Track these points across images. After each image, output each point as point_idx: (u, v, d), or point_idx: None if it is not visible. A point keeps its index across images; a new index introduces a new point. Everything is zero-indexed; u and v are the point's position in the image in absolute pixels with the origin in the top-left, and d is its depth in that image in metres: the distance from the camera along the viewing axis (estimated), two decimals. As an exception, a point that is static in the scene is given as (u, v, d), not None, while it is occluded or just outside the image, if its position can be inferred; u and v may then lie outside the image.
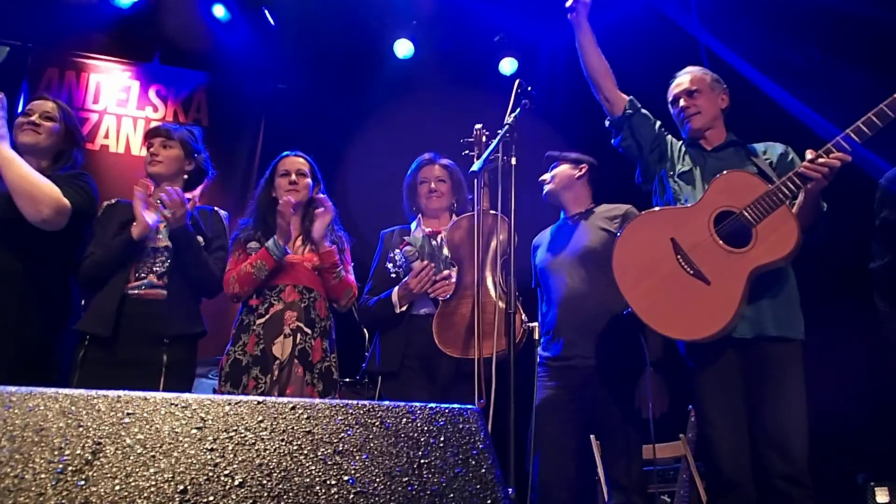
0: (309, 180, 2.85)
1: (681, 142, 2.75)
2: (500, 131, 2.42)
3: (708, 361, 2.40)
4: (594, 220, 2.96)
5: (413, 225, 2.99)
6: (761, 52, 3.94)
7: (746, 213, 2.27)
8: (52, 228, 2.49)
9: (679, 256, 2.35)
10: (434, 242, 2.77)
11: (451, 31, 5.18)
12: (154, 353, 2.52)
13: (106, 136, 4.92)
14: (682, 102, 2.69)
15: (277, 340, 2.58)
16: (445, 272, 2.70)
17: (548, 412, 2.74)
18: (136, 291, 2.58)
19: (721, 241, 2.29)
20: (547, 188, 3.04)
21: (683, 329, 2.30)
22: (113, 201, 2.79)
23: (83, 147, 2.85)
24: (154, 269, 2.62)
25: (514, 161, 2.39)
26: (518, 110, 2.47)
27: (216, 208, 2.91)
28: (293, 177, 2.81)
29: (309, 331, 2.63)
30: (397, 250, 2.80)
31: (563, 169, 3.05)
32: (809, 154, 2.25)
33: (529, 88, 2.54)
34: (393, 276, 2.77)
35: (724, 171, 2.40)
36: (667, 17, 4.47)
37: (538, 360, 2.78)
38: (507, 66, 5.17)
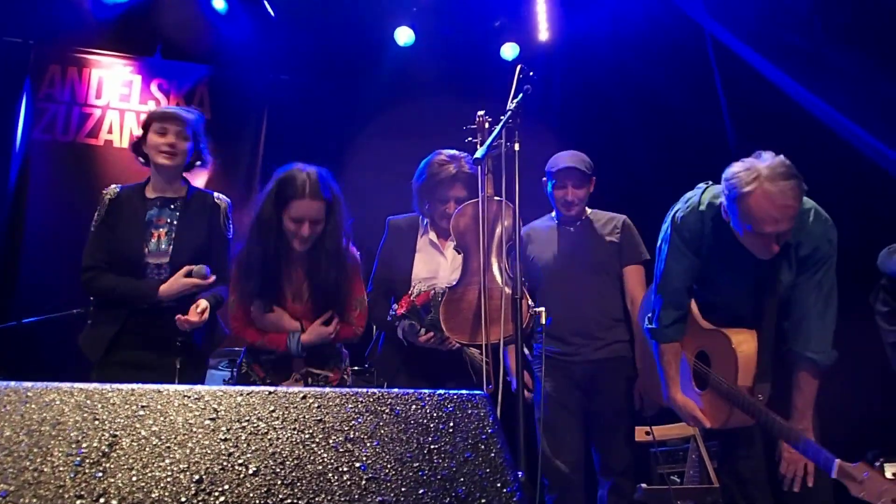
0: (321, 226, 2.57)
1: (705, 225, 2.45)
2: (502, 117, 2.42)
3: None
4: (596, 229, 3.20)
5: (419, 220, 2.98)
6: (766, 38, 3.91)
7: (712, 375, 2.47)
8: None
9: (689, 349, 2.62)
10: (429, 315, 2.69)
11: (451, 17, 5.15)
12: (166, 359, 2.54)
13: (109, 132, 4.94)
14: (763, 250, 2.24)
15: (286, 383, 2.57)
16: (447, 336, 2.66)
17: (555, 402, 2.98)
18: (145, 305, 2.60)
19: (692, 371, 2.57)
20: (576, 210, 3.16)
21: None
22: (113, 193, 2.72)
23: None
24: (161, 280, 2.62)
25: (517, 147, 2.39)
26: (520, 96, 2.46)
27: (216, 195, 2.86)
28: (306, 228, 2.53)
29: (319, 371, 2.64)
30: (400, 329, 2.72)
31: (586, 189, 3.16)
32: (785, 449, 2.32)
33: (531, 73, 2.53)
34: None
35: (733, 342, 2.40)
36: (671, 2, 4.43)
37: (545, 353, 2.83)
38: (509, 51, 5.14)
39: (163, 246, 2.64)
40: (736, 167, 2.22)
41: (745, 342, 2.39)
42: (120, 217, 2.67)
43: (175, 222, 2.67)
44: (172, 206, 2.71)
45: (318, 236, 2.56)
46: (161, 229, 2.67)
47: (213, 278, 2.59)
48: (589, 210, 3.26)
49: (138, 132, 5.14)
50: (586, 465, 3.08)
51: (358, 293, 2.70)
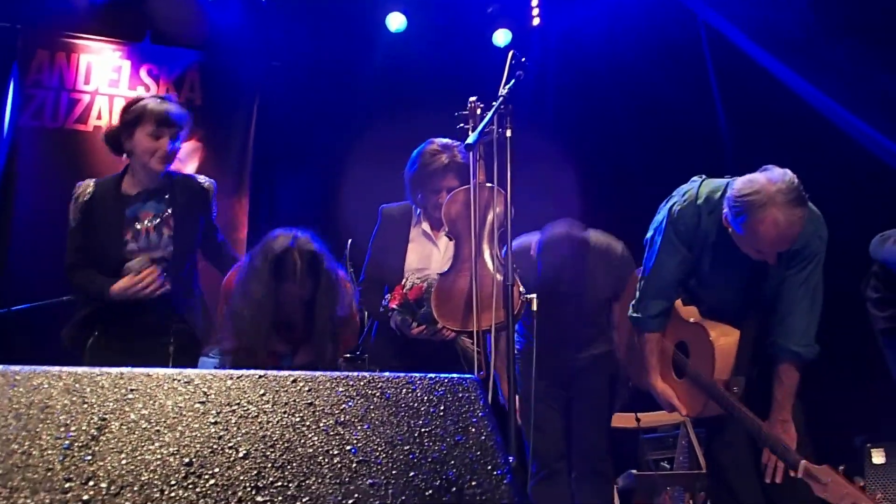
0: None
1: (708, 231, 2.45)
2: (494, 103, 2.41)
3: None
4: (589, 274, 3.10)
5: (412, 209, 2.96)
6: (761, 27, 3.91)
7: (689, 366, 2.50)
8: None
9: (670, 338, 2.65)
10: (422, 309, 2.66)
11: (443, 3, 5.12)
12: (159, 346, 2.53)
13: (98, 117, 4.88)
14: (760, 257, 2.27)
15: None
16: (439, 326, 2.64)
17: (538, 393, 2.94)
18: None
19: (672, 358, 2.61)
20: None
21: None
22: (87, 194, 2.61)
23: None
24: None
25: (509, 133, 2.38)
26: (512, 82, 2.45)
27: (200, 179, 2.78)
28: (297, 301, 2.58)
29: None
30: (392, 321, 2.72)
31: None
32: (765, 456, 2.33)
33: (523, 59, 2.52)
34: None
35: (711, 335, 2.42)
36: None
37: (534, 352, 2.85)
38: (501, 37, 5.12)
39: (153, 240, 2.58)
40: (743, 187, 2.16)
41: (723, 336, 2.42)
42: (100, 217, 2.58)
43: (166, 213, 2.61)
44: (159, 198, 2.63)
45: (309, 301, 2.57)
46: (149, 223, 2.59)
47: (151, 268, 2.51)
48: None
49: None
50: (568, 455, 3.13)
51: (353, 323, 2.72)
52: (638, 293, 2.59)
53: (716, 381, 2.37)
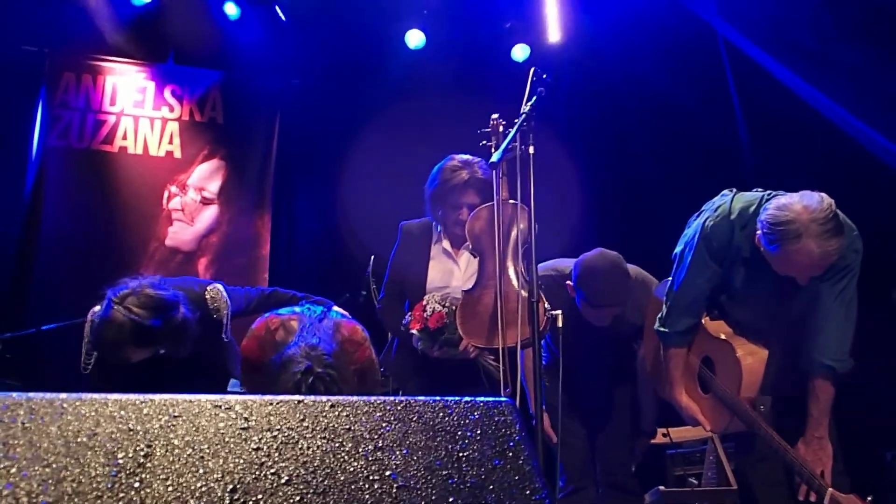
0: None
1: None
2: (517, 120, 2.42)
3: None
4: (621, 322, 2.96)
5: (432, 226, 2.97)
6: (779, 39, 3.89)
7: (715, 382, 2.51)
8: None
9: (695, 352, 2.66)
10: (442, 336, 2.63)
11: (461, 19, 5.16)
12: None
13: (124, 138, 4.97)
14: (800, 279, 2.26)
15: None
16: (462, 346, 2.63)
17: (567, 412, 2.98)
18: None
19: (698, 373, 2.63)
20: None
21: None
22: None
23: None
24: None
25: (531, 150, 2.39)
26: (534, 98, 2.46)
27: (209, 290, 2.58)
28: None
29: None
30: (413, 340, 2.69)
31: None
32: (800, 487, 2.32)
33: (545, 76, 2.53)
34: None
35: (738, 353, 2.42)
36: (682, 4, 4.41)
37: (559, 366, 2.81)
38: (520, 52, 5.14)
39: None
40: (779, 214, 2.12)
41: (750, 354, 2.39)
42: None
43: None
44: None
45: None
46: None
47: None
48: None
49: (153, 139, 5.01)
50: (595, 470, 3.12)
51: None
52: (665, 308, 2.57)
53: (741, 399, 2.35)
